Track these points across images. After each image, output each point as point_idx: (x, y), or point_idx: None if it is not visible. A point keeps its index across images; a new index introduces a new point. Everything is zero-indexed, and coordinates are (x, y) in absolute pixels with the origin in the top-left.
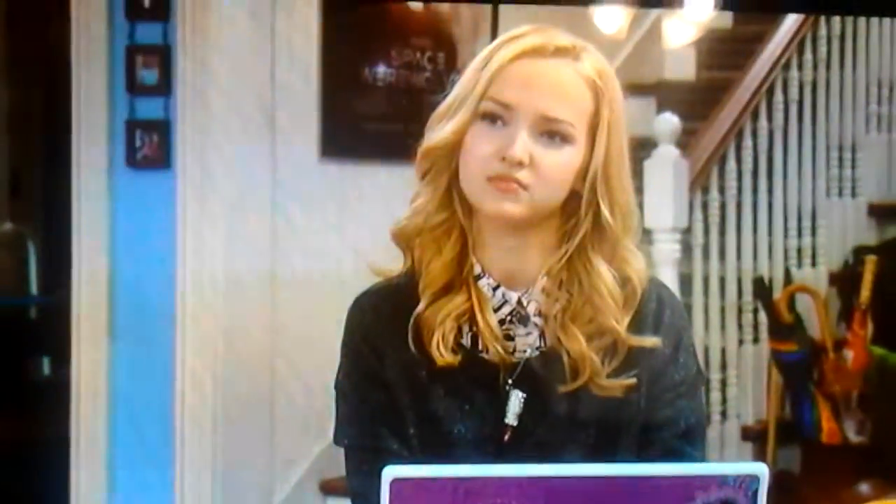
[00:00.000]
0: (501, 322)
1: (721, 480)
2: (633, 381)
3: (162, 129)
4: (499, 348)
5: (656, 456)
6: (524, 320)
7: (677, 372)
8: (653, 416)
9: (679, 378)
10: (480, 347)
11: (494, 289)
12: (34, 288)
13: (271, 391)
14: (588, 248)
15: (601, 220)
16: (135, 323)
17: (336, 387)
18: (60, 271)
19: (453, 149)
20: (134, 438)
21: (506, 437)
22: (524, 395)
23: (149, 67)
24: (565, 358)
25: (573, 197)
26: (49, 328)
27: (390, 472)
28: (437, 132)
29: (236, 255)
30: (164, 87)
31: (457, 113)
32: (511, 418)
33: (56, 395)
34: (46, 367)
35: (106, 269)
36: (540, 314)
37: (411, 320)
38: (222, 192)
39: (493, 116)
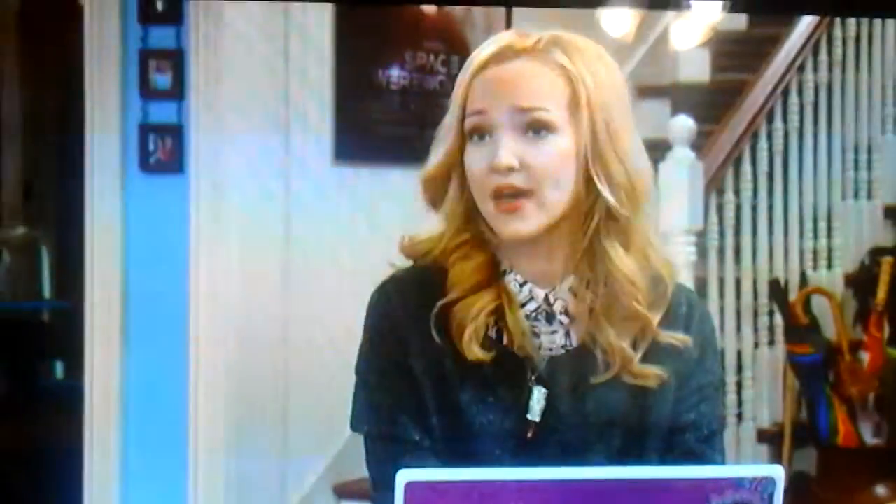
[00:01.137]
0: (527, 318)
1: (736, 483)
2: (663, 373)
3: (175, 134)
4: (525, 345)
5: (677, 458)
6: (550, 318)
7: (704, 375)
8: (677, 419)
9: (705, 381)
10: (506, 342)
11: (521, 285)
12: (47, 292)
13: (285, 395)
14: (602, 236)
15: (605, 201)
16: (148, 327)
17: (357, 372)
18: (73, 275)
19: (450, 172)
20: (147, 443)
21: (529, 434)
22: (547, 393)
23: (162, 71)
24: (596, 351)
25: (587, 191)
26: (62, 332)
27: (405, 475)
28: (435, 157)
29: (249, 260)
30: (178, 92)
31: (447, 136)
32: (534, 415)
33: (69, 400)
34: (60, 371)
35: (119, 274)
36: (566, 313)
37: (437, 310)
38: (235, 196)
39: (477, 131)
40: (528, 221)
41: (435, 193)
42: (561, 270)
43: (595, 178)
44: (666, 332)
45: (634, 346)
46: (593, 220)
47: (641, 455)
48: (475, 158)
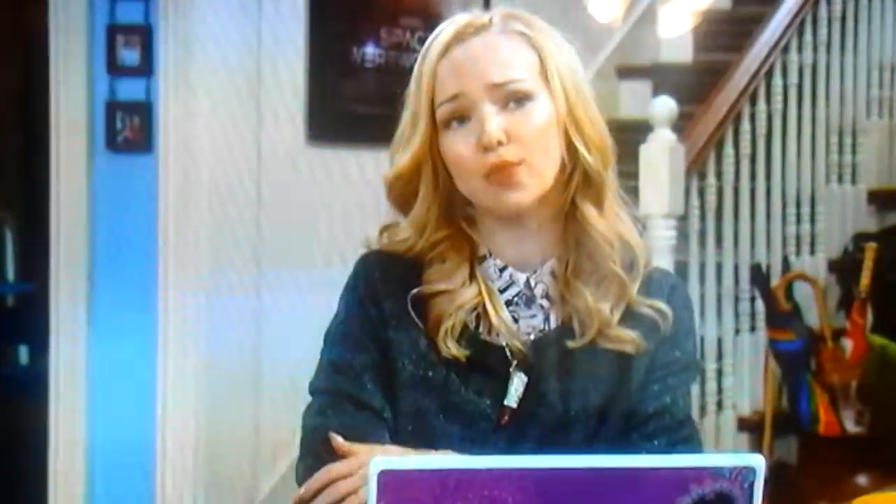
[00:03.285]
0: (507, 304)
1: (716, 472)
2: (637, 337)
3: (143, 112)
4: (504, 332)
5: (637, 440)
6: (530, 302)
7: (675, 349)
8: (643, 392)
9: (673, 358)
10: (482, 329)
11: (501, 270)
12: (11, 274)
13: (257, 376)
14: (579, 199)
15: (583, 163)
16: (115, 311)
17: (327, 335)
18: (38, 257)
19: (419, 169)
20: (114, 425)
21: (504, 419)
22: (526, 378)
23: (130, 47)
24: (574, 321)
25: (568, 155)
26: (27, 316)
27: (378, 464)
28: (402, 155)
29: (220, 241)
30: (146, 68)
31: (413, 132)
32: (511, 401)
33: (34, 384)
34: (24, 355)
35: (85, 256)
36: (547, 297)
37: (414, 296)
38: (206, 176)
39: (455, 116)
40: (525, 191)
41: (403, 193)
42: (541, 253)
43: (575, 141)
44: (643, 298)
45: (611, 309)
46: (572, 185)
47: (618, 441)
48: (457, 144)
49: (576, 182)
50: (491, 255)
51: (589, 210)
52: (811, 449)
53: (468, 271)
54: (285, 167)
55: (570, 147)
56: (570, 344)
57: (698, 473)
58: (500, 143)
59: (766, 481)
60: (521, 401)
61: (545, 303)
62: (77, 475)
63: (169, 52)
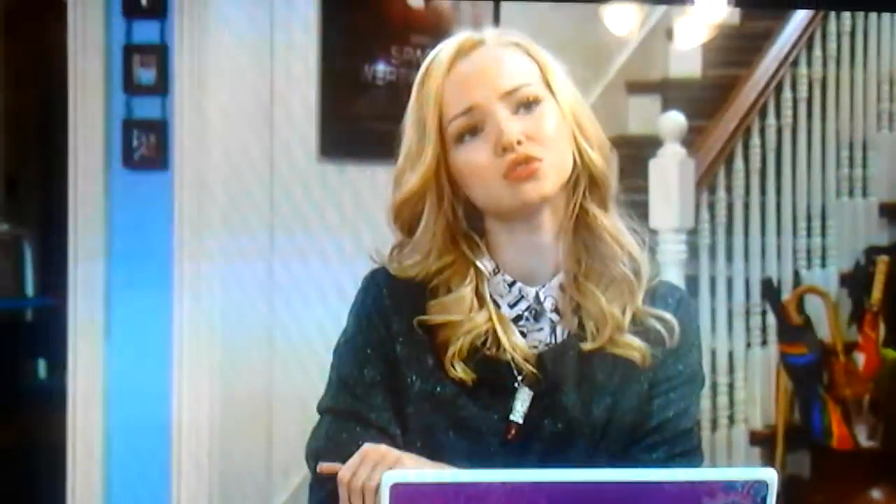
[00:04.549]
0: (517, 319)
1: (728, 486)
2: (645, 347)
3: (159, 130)
4: (514, 352)
5: (637, 453)
6: (539, 316)
7: (678, 363)
8: (646, 407)
9: (678, 370)
10: (489, 344)
11: (510, 285)
12: (30, 290)
13: (269, 391)
14: (585, 202)
15: (590, 165)
16: (131, 325)
17: (336, 351)
18: (57, 273)
19: (429, 189)
20: (131, 442)
21: (510, 434)
22: (532, 394)
23: (146, 66)
24: (586, 321)
25: (577, 157)
26: (45, 331)
27: (391, 477)
28: (409, 178)
29: (234, 257)
30: (162, 87)
31: (421, 155)
32: (517, 415)
33: (52, 399)
34: (42, 369)
35: (102, 271)
36: (556, 310)
37: (422, 313)
38: (220, 193)
39: (468, 129)
40: (545, 182)
41: (410, 216)
42: (550, 266)
43: (581, 142)
44: (650, 308)
45: (622, 312)
46: (580, 189)
47: (624, 456)
48: (472, 154)
49: (583, 185)
50: (499, 270)
51: (597, 211)
52: (824, 463)
53: (475, 295)
54: (298, 183)
55: (577, 148)
56: (584, 347)
57: (711, 487)
58: (518, 143)
59: (778, 495)
60: (527, 416)
61: (554, 317)
62: (95, 487)
63: (184, 70)
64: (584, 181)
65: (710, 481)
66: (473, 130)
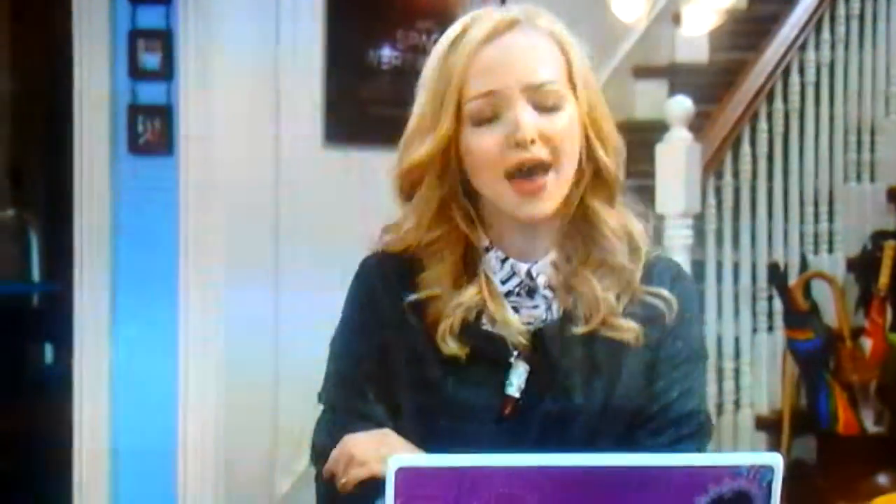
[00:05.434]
0: (508, 294)
1: (734, 471)
2: (638, 328)
3: (164, 115)
4: (505, 323)
5: (642, 437)
6: (532, 292)
7: (677, 340)
8: (646, 392)
9: (678, 348)
10: (484, 321)
11: (503, 261)
12: (36, 275)
13: (275, 374)
14: (587, 197)
15: (600, 165)
16: (137, 308)
17: (332, 343)
18: (63, 258)
19: (435, 161)
20: (136, 422)
21: (507, 410)
22: (528, 368)
23: (151, 52)
24: (579, 309)
25: (585, 156)
26: (51, 315)
27: (396, 461)
28: (418, 148)
29: (239, 242)
30: (167, 72)
31: (436, 124)
32: (513, 390)
33: (59, 382)
34: (49, 354)
35: (108, 256)
36: (550, 287)
37: (413, 293)
38: (225, 177)
39: (484, 113)
40: (549, 203)
41: (414, 184)
42: (543, 244)
43: (594, 143)
44: (647, 287)
45: (617, 298)
46: (583, 184)
47: (621, 431)
48: (483, 139)
49: (586, 181)
50: (493, 246)
51: (600, 207)
52: (830, 448)
53: (466, 269)
54: (303, 168)
55: (589, 148)
56: (574, 330)
57: (716, 472)
58: (532, 142)
59: (784, 480)
60: (524, 391)
61: (548, 293)
62: (101, 472)
63: (189, 56)
64: (588, 177)
65: (715, 466)
66: (490, 116)
